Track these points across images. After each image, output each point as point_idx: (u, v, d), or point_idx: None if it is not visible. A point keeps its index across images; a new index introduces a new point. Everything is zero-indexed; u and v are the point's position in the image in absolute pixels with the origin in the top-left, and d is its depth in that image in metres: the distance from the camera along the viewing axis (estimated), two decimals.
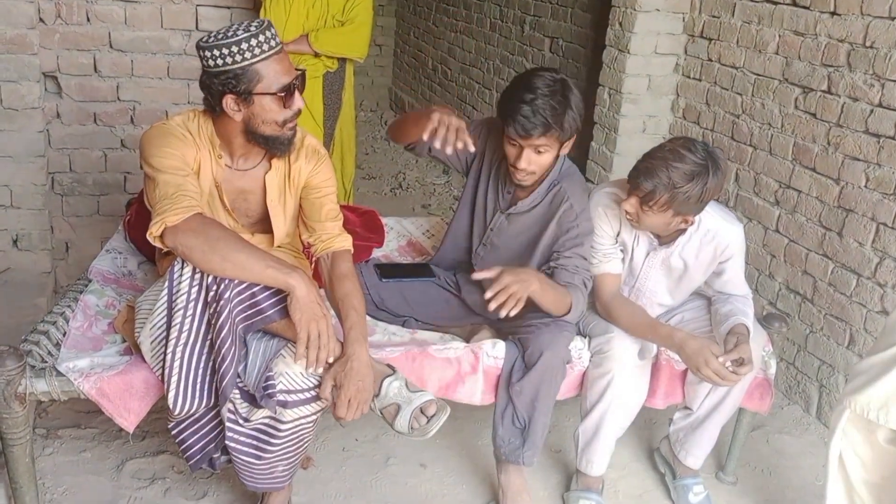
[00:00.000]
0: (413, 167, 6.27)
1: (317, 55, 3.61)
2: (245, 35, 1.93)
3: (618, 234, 2.43)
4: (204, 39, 1.97)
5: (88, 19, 3.40)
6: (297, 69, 2.07)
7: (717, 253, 2.38)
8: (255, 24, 1.96)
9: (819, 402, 3.13)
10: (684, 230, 2.34)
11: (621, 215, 2.36)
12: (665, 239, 2.39)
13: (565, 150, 2.36)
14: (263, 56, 1.96)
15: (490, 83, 5.90)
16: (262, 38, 1.95)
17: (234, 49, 1.93)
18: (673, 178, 2.14)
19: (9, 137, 3.32)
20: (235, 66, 1.94)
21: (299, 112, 2.08)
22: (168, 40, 3.49)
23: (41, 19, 3.33)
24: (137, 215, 2.74)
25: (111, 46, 3.45)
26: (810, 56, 3.09)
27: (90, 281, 2.51)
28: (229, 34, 1.94)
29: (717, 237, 2.36)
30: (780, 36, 3.25)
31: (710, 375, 2.18)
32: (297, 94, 2.04)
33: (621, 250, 2.45)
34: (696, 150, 2.17)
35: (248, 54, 1.94)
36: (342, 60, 3.75)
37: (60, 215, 3.65)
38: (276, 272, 1.91)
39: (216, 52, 1.94)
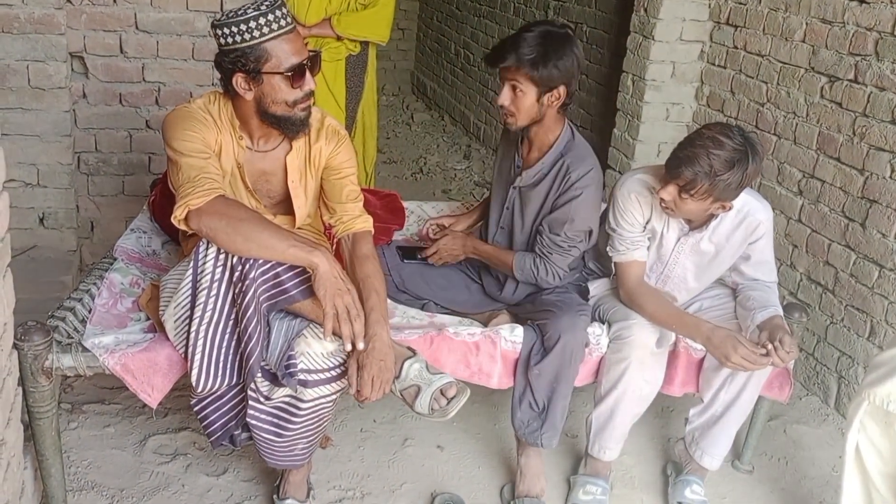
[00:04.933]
0: (434, 152, 6.28)
1: (339, 38, 3.62)
2: (254, 13, 1.95)
3: (647, 222, 2.42)
4: (217, 18, 2.00)
5: (115, 0, 3.42)
6: (311, 51, 2.08)
7: (748, 233, 2.36)
8: (266, 2, 1.98)
9: (838, 393, 3.12)
10: (717, 214, 2.33)
11: (653, 202, 2.36)
12: (696, 223, 2.38)
13: (550, 103, 2.34)
14: (272, 35, 1.97)
15: None
16: (271, 16, 1.96)
17: (243, 27, 1.95)
18: (714, 166, 2.12)
19: (36, 117, 3.35)
20: (244, 44, 1.96)
21: (311, 94, 2.09)
22: (193, 22, 3.51)
23: (68, 0, 3.36)
24: (162, 195, 2.77)
25: (137, 27, 3.47)
26: (837, 44, 3.06)
27: (115, 259, 2.55)
28: (240, 12, 1.96)
29: (748, 217, 2.34)
30: (806, 24, 3.21)
31: (740, 362, 2.17)
32: (308, 75, 2.05)
33: (649, 238, 2.45)
34: (734, 135, 2.15)
35: (256, 32, 1.95)
36: (365, 44, 3.76)
37: (86, 194, 3.70)
38: (298, 251, 1.94)
39: (226, 31, 1.97)
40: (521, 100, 2.32)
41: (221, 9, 3.50)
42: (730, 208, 2.27)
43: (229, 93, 2.09)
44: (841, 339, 3.10)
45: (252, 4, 1.98)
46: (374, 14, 3.63)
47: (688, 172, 2.15)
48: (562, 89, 2.32)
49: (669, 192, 2.22)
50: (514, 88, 2.32)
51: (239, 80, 2.02)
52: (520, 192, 2.51)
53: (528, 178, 2.47)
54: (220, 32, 1.99)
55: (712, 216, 2.34)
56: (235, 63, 1.99)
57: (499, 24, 6.15)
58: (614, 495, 2.53)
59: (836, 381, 3.12)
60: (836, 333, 3.12)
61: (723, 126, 2.20)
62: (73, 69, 3.48)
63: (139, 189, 3.68)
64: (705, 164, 2.12)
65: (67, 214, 3.53)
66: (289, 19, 2.01)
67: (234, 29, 1.96)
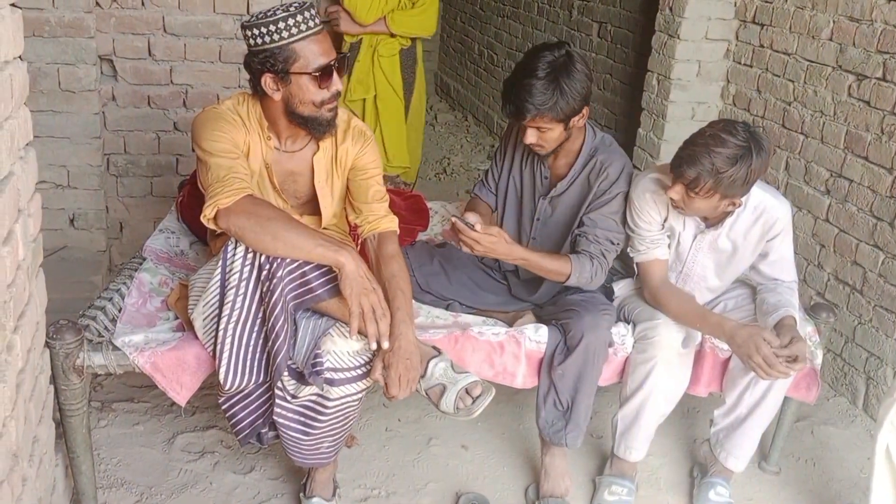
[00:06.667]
0: (458, 152, 6.28)
1: (392, 35, 3.77)
2: (283, 15, 1.97)
3: (665, 220, 2.42)
4: (246, 19, 2.02)
5: (143, 4, 3.46)
6: (339, 52, 2.10)
7: (766, 229, 2.35)
8: (295, 4, 2.00)
9: (866, 394, 3.09)
10: (732, 212, 2.32)
11: (668, 201, 2.35)
12: (712, 221, 2.38)
13: (576, 123, 2.34)
14: (301, 36, 1.99)
15: None
16: (299, 17, 1.98)
17: (272, 28, 1.97)
18: (716, 164, 2.12)
19: (66, 119, 3.41)
20: (273, 44, 1.99)
21: (338, 94, 2.11)
22: (220, 24, 3.55)
23: (97, 3, 3.40)
24: (189, 196, 2.81)
25: (165, 30, 3.52)
26: (865, 42, 3.03)
27: (144, 259, 2.58)
28: (269, 14, 1.99)
29: (765, 213, 2.33)
30: (834, 22, 3.18)
31: (760, 363, 2.15)
32: (335, 75, 2.07)
33: (668, 236, 2.44)
34: (738, 132, 2.15)
35: (285, 33, 1.98)
36: (413, 38, 3.92)
37: (115, 195, 3.74)
38: (325, 250, 1.96)
39: (255, 31, 1.99)
40: (548, 135, 2.32)
41: (248, 11, 3.54)
42: (740, 205, 2.27)
43: (258, 93, 2.11)
44: (869, 340, 3.06)
45: (281, 6, 2.00)
46: (422, 12, 3.81)
47: (690, 172, 2.15)
48: (584, 110, 2.32)
49: (677, 192, 2.23)
50: (538, 128, 2.31)
51: (267, 81, 2.04)
52: (550, 202, 2.50)
53: (562, 187, 2.47)
54: (249, 33, 2.01)
55: (727, 213, 2.32)
56: (264, 63, 2.01)
57: (522, 24, 6.14)
58: (640, 496, 2.52)
59: (865, 382, 3.09)
60: (865, 334, 3.08)
61: (726, 123, 2.20)
62: (102, 72, 3.53)
63: (167, 190, 3.73)
64: (707, 162, 2.12)
65: (97, 215, 3.58)
66: (317, 20, 2.03)
67: (264, 30, 1.98)
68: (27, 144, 1.68)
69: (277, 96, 2.06)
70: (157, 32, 3.51)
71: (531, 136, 2.32)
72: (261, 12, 2.01)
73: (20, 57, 1.61)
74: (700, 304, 2.43)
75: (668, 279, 2.45)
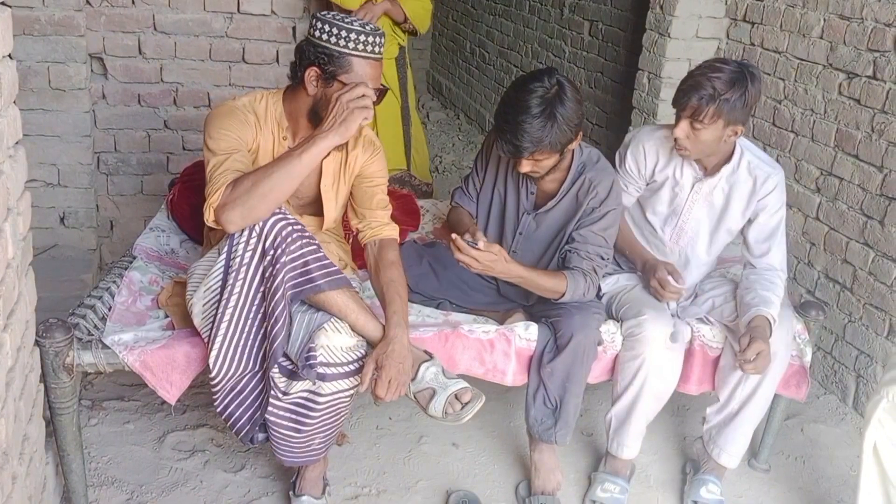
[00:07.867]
0: (450, 151, 6.28)
1: (405, 20, 3.77)
2: (359, 28, 2.02)
3: (655, 166, 2.51)
4: (325, 12, 2.07)
5: (133, 2, 3.45)
6: (382, 85, 2.14)
7: (758, 186, 2.41)
8: (371, 26, 2.06)
9: (856, 392, 3.10)
10: (729, 160, 2.41)
11: (659, 149, 2.48)
12: (710, 170, 2.45)
13: (570, 147, 2.33)
14: (363, 54, 2.04)
15: (528, 67, 5.88)
16: (370, 38, 2.04)
17: (344, 33, 2.01)
18: (717, 88, 2.23)
19: (56, 117, 3.39)
20: (335, 46, 2.02)
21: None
22: (210, 22, 3.54)
23: (88, 2, 3.39)
24: (180, 195, 2.80)
25: (155, 28, 3.51)
26: (856, 41, 3.04)
27: (134, 258, 2.58)
28: (346, 20, 2.03)
29: (757, 169, 2.42)
30: (824, 20, 3.20)
31: (655, 286, 2.42)
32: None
33: (662, 184, 2.53)
34: (729, 62, 2.30)
35: (350, 44, 2.02)
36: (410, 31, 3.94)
37: (105, 194, 3.74)
38: (307, 157, 1.98)
39: (326, 27, 2.03)
40: (543, 163, 2.31)
41: (238, 9, 3.53)
42: (742, 133, 2.34)
43: (294, 79, 2.12)
44: (859, 338, 3.08)
45: (359, 21, 2.04)
46: (420, 4, 3.83)
47: (693, 99, 2.25)
48: (579, 135, 2.31)
49: (682, 129, 2.31)
50: (533, 160, 2.29)
51: (311, 73, 2.06)
52: (535, 218, 2.50)
53: (550, 206, 2.46)
54: (320, 25, 2.04)
55: (726, 162, 2.41)
56: (318, 57, 2.04)
57: (514, 22, 6.15)
58: (630, 493, 2.53)
59: (855, 380, 3.10)
60: (855, 332, 3.10)
61: (716, 58, 2.37)
62: (92, 70, 3.52)
63: (158, 188, 3.72)
64: (708, 87, 2.24)
65: (87, 214, 3.57)
66: (381, 50, 2.07)
67: (336, 30, 2.01)
68: (17, 143, 1.68)
69: (312, 91, 2.09)
70: (147, 31, 3.51)
71: (526, 167, 2.31)
72: (341, 15, 2.05)
73: (10, 55, 1.60)
74: (637, 240, 2.62)
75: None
